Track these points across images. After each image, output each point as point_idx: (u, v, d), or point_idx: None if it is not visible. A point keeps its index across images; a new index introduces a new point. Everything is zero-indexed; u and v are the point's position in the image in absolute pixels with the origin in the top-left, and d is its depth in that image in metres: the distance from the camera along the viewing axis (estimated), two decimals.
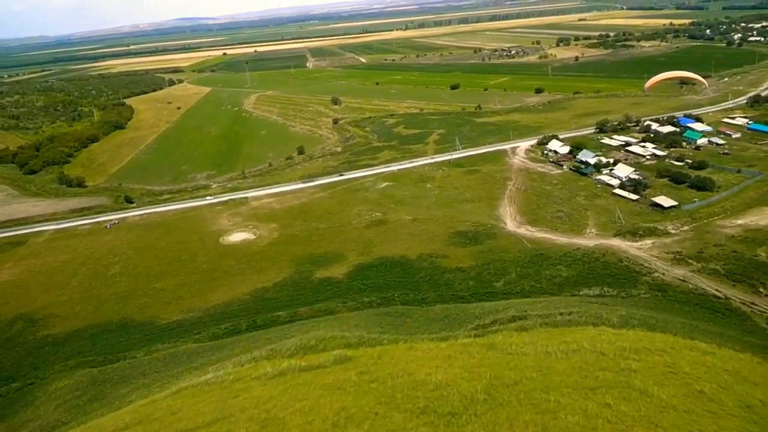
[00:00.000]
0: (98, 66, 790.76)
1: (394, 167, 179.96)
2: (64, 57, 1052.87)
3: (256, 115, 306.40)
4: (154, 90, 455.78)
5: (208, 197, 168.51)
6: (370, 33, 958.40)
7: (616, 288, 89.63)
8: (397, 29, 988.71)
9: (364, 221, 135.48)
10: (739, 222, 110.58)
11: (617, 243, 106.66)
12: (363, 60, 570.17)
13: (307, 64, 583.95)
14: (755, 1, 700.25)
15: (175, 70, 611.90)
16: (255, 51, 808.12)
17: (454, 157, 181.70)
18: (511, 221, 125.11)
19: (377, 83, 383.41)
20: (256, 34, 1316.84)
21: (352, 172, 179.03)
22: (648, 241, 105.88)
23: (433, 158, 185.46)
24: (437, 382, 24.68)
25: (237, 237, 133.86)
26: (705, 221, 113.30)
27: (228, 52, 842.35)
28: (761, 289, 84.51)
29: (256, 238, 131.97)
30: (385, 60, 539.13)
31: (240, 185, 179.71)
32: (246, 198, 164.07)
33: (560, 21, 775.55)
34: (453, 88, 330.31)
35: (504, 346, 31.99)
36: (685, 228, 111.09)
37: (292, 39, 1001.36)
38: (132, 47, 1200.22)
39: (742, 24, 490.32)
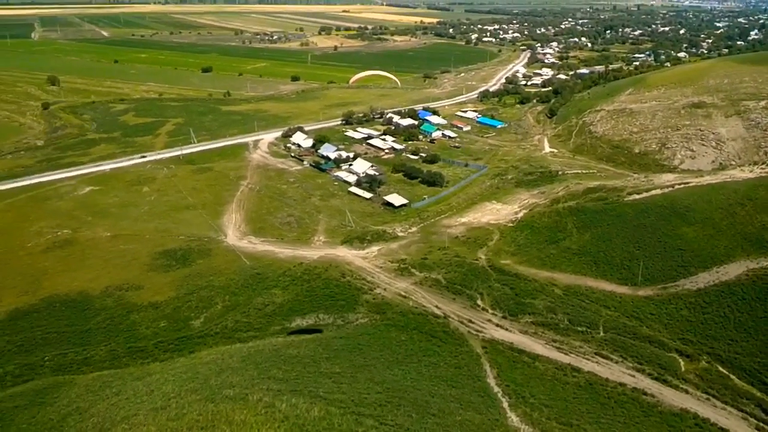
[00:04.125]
0: None
1: (108, 166, 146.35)
2: None
3: None
4: None
5: None
6: (120, 4, 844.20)
7: (333, 313, 77.20)
8: (155, 2, 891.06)
9: (44, 243, 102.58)
10: (463, 220, 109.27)
11: (343, 253, 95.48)
12: (105, 34, 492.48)
13: (33, 35, 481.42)
14: (490, 7, 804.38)
15: None
16: None
17: (185, 152, 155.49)
18: (233, 232, 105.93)
19: (116, 61, 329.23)
20: None
21: (50, 173, 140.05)
22: (374, 248, 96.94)
23: (160, 154, 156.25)
24: None
25: None
26: (432, 221, 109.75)
27: None
28: (479, 302, 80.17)
29: None
30: (133, 35, 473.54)
31: None
32: None
33: (326, 10, 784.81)
34: (205, 71, 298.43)
35: None
36: (413, 229, 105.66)
37: (22, 4, 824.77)
38: None
39: (479, 26, 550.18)
